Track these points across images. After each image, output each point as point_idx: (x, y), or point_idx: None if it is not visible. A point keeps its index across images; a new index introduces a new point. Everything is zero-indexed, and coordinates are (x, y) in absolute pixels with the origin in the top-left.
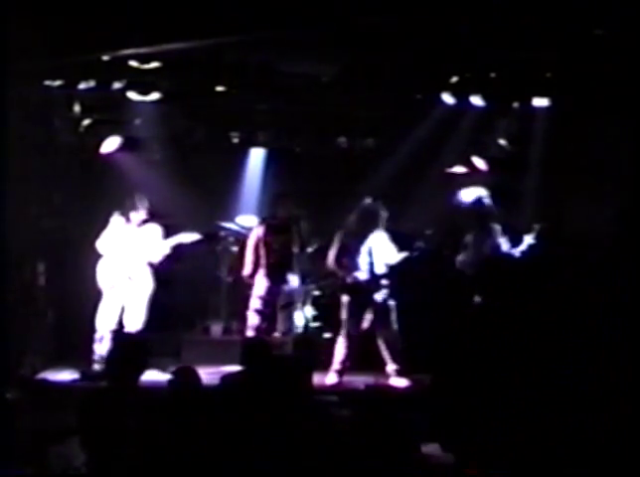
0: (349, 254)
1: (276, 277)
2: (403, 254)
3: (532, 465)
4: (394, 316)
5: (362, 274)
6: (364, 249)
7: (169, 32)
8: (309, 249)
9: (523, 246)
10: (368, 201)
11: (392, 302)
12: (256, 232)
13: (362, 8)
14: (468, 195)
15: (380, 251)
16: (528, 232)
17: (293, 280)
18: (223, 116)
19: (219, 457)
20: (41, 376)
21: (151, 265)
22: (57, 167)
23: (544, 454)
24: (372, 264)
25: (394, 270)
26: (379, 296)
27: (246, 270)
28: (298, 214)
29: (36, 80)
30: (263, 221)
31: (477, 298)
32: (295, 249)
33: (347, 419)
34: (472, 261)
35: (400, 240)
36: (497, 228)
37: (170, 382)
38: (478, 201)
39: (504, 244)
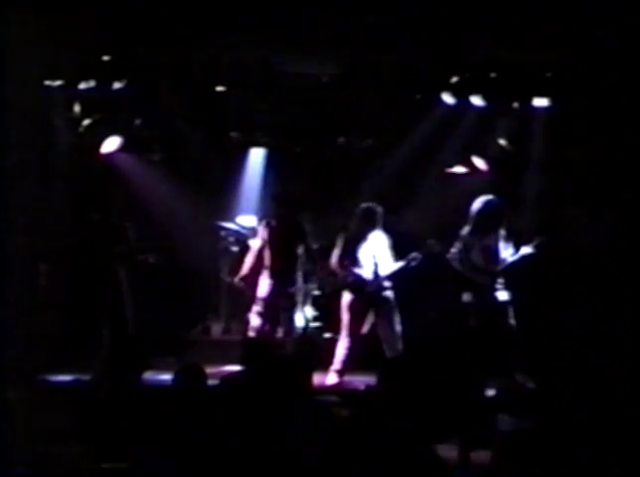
0: (352, 255)
1: (280, 279)
2: (400, 264)
3: None
4: (396, 317)
5: (366, 273)
6: (367, 251)
7: (169, 32)
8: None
9: (517, 256)
10: (366, 203)
11: (393, 302)
12: (261, 234)
13: (362, 8)
14: (480, 200)
15: (381, 255)
16: (528, 240)
17: (297, 282)
18: (223, 116)
19: (218, 457)
20: (41, 376)
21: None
22: (57, 167)
23: None
24: (376, 265)
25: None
26: (381, 296)
27: (243, 272)
28: (302, 214)
29: (36, 81)
30: (268, 223)
31: (466, 297)
32: (299, 250)
33: (347, 419)
34: (461, 257)
35: (401, 242)
36: (502, 232)
37: (175, 379)
38: (488, 204)
39: (504, 250)
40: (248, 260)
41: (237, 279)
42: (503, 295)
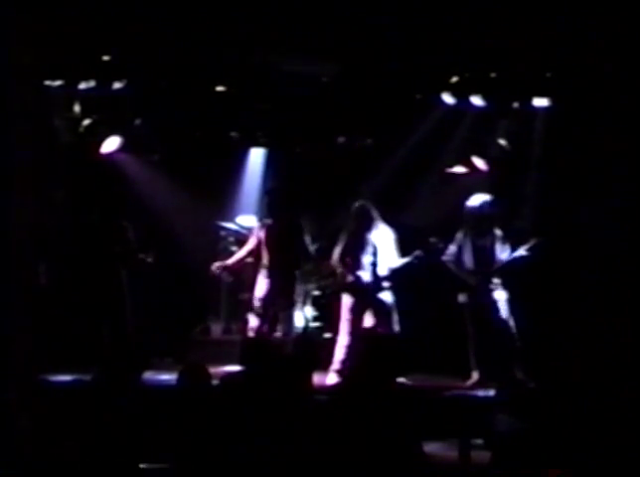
0: (353, 254)
1: (278, 278)
2: (405, 260)
3: None
4: (395, 316)
5: (365, 274)
6: (368, 249)
7: (169, 32)
8: (310, 250)
9: (511, 257)
10: (358, 202)
11: (392, 302)
12: (258, 234)
13: (362, 8)
14: (475, 200)
15: (383, 252)
16: (527, 241)
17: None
18: (223, 116)
19: (218, 457)
20: (41, 376)
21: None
22: (57, 167)
23: None
24: (374, 264)
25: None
26: (380, 296)
27: (228, 262)
28: (300, 213)
29: (36, 81)
30: (264, 224)
31: (461, 297)
32: (298, 250)
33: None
34: (457, 259)
35: (407, 236)
36: (498, 233)
37: (179, 379)
38: (483, 204)
39: (501, 252)
40: (238, 254)
41: (215, 266)
42: (501, 295)
